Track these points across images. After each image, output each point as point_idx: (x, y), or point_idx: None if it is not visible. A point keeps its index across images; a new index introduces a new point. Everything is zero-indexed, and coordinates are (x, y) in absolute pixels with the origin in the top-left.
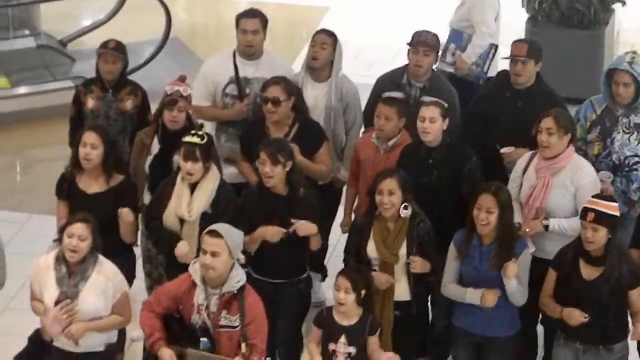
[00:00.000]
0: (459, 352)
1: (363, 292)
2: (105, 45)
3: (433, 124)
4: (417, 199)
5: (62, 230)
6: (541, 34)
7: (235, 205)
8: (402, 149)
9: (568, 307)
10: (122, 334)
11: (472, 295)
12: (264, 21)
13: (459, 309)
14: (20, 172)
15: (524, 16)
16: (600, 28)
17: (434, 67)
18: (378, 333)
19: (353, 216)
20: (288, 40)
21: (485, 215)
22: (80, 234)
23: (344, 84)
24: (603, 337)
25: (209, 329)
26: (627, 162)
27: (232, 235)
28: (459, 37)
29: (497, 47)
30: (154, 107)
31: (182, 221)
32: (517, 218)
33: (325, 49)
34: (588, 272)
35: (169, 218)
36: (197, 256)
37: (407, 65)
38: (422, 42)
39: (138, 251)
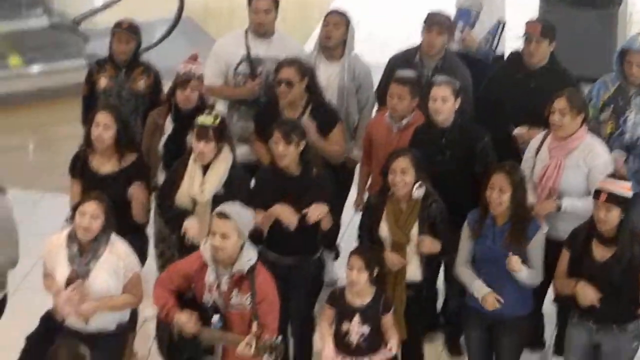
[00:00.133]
0: (471, 332)
1: (376, 271)
2: (118, 24)
3: (445, 104)
4: (430, 178)
5: (74, 209)
6: (554, 14)
7: (248, 186)
8: (415, 129)
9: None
10: (134, 313)
11: (478, 289)
12: (276, 0)
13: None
14: (33, 151)
15: None
16: (614, 7)
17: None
18: (392, 311)
19: (366, 195)
20: (300, 21)
21: (498, 194)
22: (93, 213)
23: (356, 64)
24: (616, 316)
25: (220, 308)
26: (639, 141)
27: (240, 216)
28: (467, 15)
29: (504, 23)
30: (166, 87)
31: (194, 201)
32: (531, 198)
33: (338, 28)
34: (600, 253)
35: (181, 198)
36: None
37: (420, 44)
38: (436, 22)
39: (150, 231)
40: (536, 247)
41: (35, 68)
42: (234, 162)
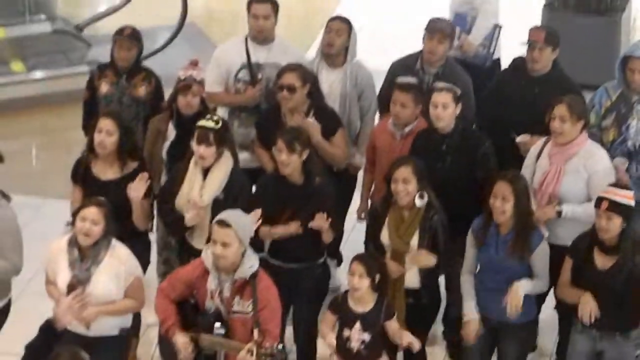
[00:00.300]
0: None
1: (377, 277)
2: (120, 31)
3: (445, 110)
4: (431, 185)
5: (75, 214)
6: (558, 20)
7: (248, 191)
8: (415, 135)
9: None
10: (137, 319)
11: (466, 312)
12: (275, 6)
13: (475, 294)
14: (35, 156)
15: (541, 2)
16: (617, 14)
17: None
18: (395, 317)
19: (369, 202)
20: (303, 27)
21: (501, 202)
22: (93, 218)
23: (359, 70)
24: (619, 324)
25: (222, 314)
26: None
27: (241, 223)
28: (463, 20)
29: (500, 27)
30: (168, 92)
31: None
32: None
33: (340, 35)
34: (602, 261)
35: (181, 202)
36: (209, 241)
37: (421, 51)
38: (437, 29)
39: (152, 238)
40: (541, 257)
41: (38, 74)
42: (235, 167)
